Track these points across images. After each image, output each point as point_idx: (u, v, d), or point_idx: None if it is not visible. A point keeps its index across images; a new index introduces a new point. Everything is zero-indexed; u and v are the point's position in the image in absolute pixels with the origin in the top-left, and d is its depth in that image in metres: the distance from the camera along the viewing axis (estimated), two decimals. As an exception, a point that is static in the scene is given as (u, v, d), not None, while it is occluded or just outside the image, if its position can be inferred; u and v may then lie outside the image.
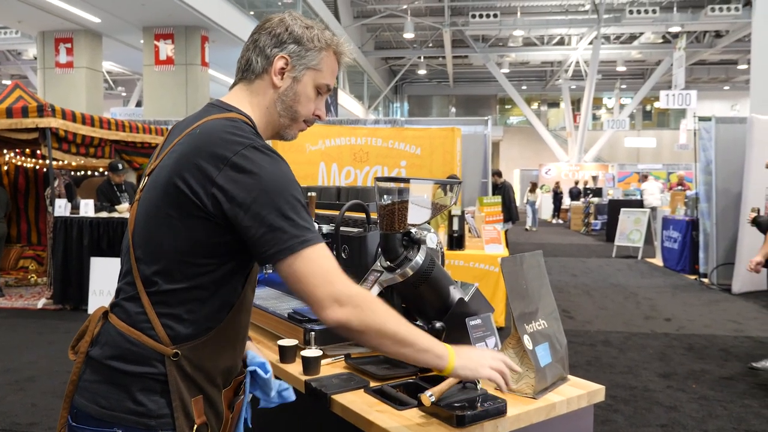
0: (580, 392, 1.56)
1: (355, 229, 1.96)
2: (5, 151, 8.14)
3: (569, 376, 1.65)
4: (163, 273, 1.17)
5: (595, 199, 18.04)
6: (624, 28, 22.47)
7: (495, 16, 21.16)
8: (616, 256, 11.63)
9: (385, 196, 1.63)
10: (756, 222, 4.52)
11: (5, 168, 8.68)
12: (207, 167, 1.12)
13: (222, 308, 1.21)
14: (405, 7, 21.74)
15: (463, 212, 6.10)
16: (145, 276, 1.18)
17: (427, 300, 1.69)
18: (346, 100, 21.20)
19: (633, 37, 24.89)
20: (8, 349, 5.14)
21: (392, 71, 31.87)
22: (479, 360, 1.28)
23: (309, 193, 2.00)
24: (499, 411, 1.39)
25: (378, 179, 1.64)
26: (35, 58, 16.08)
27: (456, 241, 5.79)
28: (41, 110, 6.58)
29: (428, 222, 1.73)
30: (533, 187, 19.07)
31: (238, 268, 1.22)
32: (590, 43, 22.92)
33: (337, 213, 1.93)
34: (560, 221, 21.66)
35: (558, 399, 1.51)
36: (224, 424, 1.27)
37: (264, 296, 2.24)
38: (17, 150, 8.19)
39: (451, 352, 1.24)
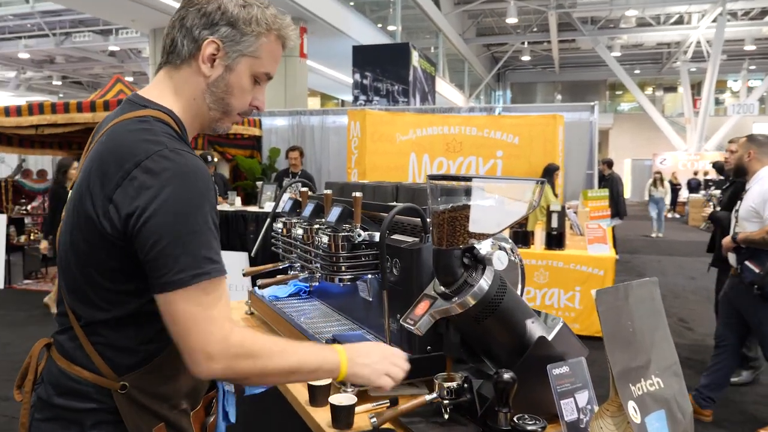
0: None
1: (411, 239, 1.57)
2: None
3: (695, 456, 1.19)
4: (89, 304, 1.04)
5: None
6: (754, 2, 20.18)
7: (605, -5, 19.77)
8: (743, 257, 10.36)
9: (440, 200, 1.25)
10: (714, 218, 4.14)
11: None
12: (106, 183, 0.98)
13: (165, 328, 1.02)
14: (508, -10, 20.82)
15: (563, 207, 5.55)
16: (73, 309, 1.07)
17: (495, 338, 1.29)
18: (445, 88, 20.59)
19: (764, 12, 22.34)
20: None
21: (494, 58, 30.84)
22: (374, 366, 1.13)
23: (354, 194, 1.61)
24: None
25: (431, 177, 1.26)
26: (153, 56, 16.92)
27: (555, 240, 5.28)
28: (137, 103, 6.75)
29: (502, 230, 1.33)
30: (659, 179, 14.57)
31: None
32: (714, 20, 20.82)
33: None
34: (677, 215, 20.05)
35: (678, 496, 1.06)
36: None
37: (309, 311, 1.92)
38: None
39: (343, 362, 1.10)
